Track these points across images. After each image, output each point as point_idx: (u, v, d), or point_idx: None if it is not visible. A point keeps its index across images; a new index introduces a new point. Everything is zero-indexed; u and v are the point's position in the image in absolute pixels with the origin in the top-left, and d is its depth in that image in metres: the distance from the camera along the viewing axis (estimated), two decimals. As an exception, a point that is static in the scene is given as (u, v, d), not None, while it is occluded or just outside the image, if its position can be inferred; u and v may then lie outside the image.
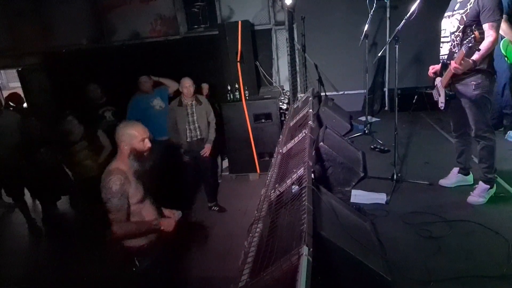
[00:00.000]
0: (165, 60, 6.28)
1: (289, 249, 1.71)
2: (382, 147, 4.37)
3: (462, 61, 2.70)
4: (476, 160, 3.18)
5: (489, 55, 2.83)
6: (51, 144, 4.48)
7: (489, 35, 2.69)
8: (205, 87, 5.35)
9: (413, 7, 3.00)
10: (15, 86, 7.86)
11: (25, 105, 6.82)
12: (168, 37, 6.49)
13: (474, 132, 2.99)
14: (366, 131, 4.93)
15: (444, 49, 3.02)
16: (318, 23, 6.08)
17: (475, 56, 2.73)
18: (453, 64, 2.76)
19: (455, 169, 3.37)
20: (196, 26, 6.39)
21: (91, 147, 4.24)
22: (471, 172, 3.35)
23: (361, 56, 4.99)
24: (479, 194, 3.04)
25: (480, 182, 3.08)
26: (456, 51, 2.88)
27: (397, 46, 3.19)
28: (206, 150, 4.47)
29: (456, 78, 2.92)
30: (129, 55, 6.39)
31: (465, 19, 2.79)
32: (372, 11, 4.38)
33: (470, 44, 2.57)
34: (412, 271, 2.35)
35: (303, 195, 2.07)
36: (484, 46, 2.70)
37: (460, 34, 2.84)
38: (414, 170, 3.83)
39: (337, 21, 6.04)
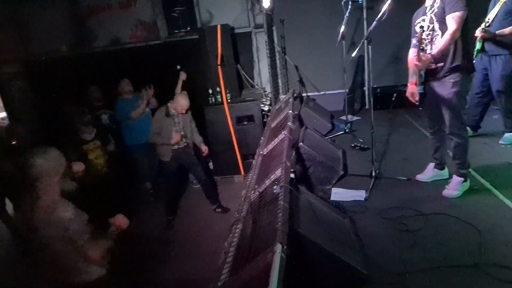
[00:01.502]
0: (146, 65, 6.26)
1: (267, 248, 1.76)
2: (362, 145, 4.46)
3: (421, 57, 2.80)
4: (451, 155, 3.28)
5: (467, 52, 2.90)
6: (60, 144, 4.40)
7: (449, 27, 2.75)
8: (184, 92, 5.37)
9: (384, 8, 3.08)
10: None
11: (3, 114, 6.78)
12: (148, 42, 6.48)
13: (449, 129, 3.08)
14: (347, 130, 5.02)
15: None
16: (297, 25, 6.17)
17: (434, 50, 2.80)
18: (414, 61, 2.88)
19: (431, 164, 3.47)
20: (176, 31, 6.38)
21: (103, 147, 4.27)
22: (446, 167, 3.46)
23: (340, 56, 5.09)
24: (454, 188, 3.15)
25: (454, 176, 3.18)
26: (428, 50, 2.97)
27: (369, 46, 3.28)
28: (205, 150, 4.57)
29: (433, 76, 3.00)
30: (110, 61, 6.36)
31: (434, 18, 2.88)
32: (347, 12, 4.48)
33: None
34: (389, 264, 2.44)
35: (279, 195, 2.12)
36: (442, 39, 2.78)
37: (431, 32, 2.94)
38: (393, 166, 3.94)
39: (316, 23, 6.14)
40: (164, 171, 4.55)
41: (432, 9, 2.89)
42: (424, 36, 2.96)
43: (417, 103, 3.20)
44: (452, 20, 2.73)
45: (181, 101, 4.28)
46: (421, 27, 2.92)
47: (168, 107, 4.36)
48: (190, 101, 4.95)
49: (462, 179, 3.13)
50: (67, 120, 4.22)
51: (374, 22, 3.17)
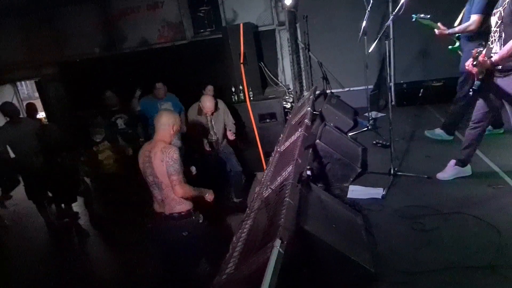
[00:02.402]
0: (173, 64, 6.46)
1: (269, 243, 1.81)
2: (384, 142, 4.38)
3: (481, 61, 2.68)
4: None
5: None
6: (73, 146, 4.68)
7: None
8: (209, 89, 5.48)
9: (401, 2, 3.02)
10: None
11: (42, 113, 7.21)
12: (175, 42, 6.67)
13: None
14: (369, 127, 4.94)
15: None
16: (321, 21, 6.11)
17: (495, 56, 2.66)
18: (469, 67, 2.83)
19: (452, 162, 3.36)
20: (202, 30, 6.52)
21: (113, 148, 4.50)
22: (469, 164, 3.34)
23: (364, 52, 5.00)
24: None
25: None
26: (494, 48, 2.81)
27: (387, 42, 3.21)
28: (230, 135, 4.78)
29: (499, 71, 2.82)
30: (139, 62, 6.60)
31: (502, 15, 2.69)
32: (369, 7, 4.40)
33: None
34: (401, 262, 2.40)
35: (286, 191, 2.15)
36: (506, 46, 2.60)
37: (498, 30, 2.75)
38: (415, 164, 3.84)
39: (340, 19, 6.06)
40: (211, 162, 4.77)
41: (503, 4, 2.68)
42: (492, 33, 2.82)
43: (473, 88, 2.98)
44: None
45: (206, 103, 4.44)
46: (481, 44, 2.81)
47: (199, 106, 4.56)
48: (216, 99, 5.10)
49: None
50: (81, 123, 4.48)
51: (391, 16, 3.11)
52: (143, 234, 3.92)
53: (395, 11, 3.04)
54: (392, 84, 6.20)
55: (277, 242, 1.63)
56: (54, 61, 7.07)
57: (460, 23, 3.94)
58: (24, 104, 6.34)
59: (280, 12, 6.21)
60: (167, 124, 2.78)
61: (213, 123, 4.64)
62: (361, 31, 4.53)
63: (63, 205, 4.89)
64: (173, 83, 5.90)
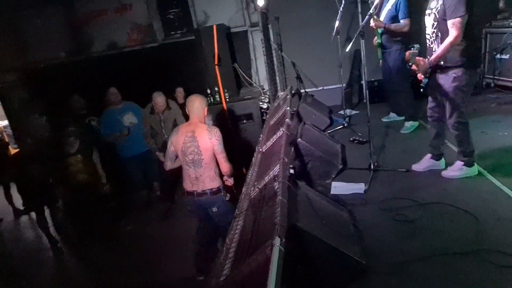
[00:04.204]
0: (144, 68, 6.32)
1: (266, 242, 1.81)
2: (360, 139, 4.50)
3: (419, 62, 2.89)
4: (452, 146, 3.32)
5: (473, 48, 2.92)
6: (44, 157, 4.48)
7: (450, 34, 2.78)
8: (179, 91, 5.42)
9: (375, 2, 3.12)
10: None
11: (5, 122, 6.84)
12: (145, 45, 6.52)
13: (447, 119, 3.14)
14: (345, 124, 5.06)
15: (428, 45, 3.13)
16: (292, 22, 6.19)
17: (432, 56, 2.86)
18: (414, 67, 2.96)
19: (428, 155, 3.51)
20: (173, 33, 6.42)
21: (85, 161, 4.34)
22: (443, 158, 3.49)
23: (337, 52, 5.12)
24: (453, 169, 3.24)
25: (456, 161, 3.25)
26: (434, 47, 3.02)
27: (363, 41, 3.30)
28: None
29: (439, 68, 3.02)
30: (108, 66, 6.41)
31: (437, 16, 2.89)
32: (341, 7, 4.51)
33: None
34: (388, 254, 2.48)
35: (278, 191, 2.17)
36: (442, 46, 2.82)
37: (435, 30, 2.95)
38: (392, 158, 3.98)
39: (310, 19, 6.16)
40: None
41: (436, 6, 2.89)
42: (430, 34, 3.04)
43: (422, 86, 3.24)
44: (453, 26, 2.75)
45: (157, 99, 4.50)
46: (412, 47, 2.99)
47: (152, 106, 4.58)
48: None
49: (462, 162, 3.18)
50: (51, 132, 4.30)
51: (367, 16, 3.21)
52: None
53: (371, 10, 3.14)
54: (363, 82, 6.39)
55: (277, 241, 1.64)
56: (16, 67, 6.73)
57: None
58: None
59: (251, 13, 6.23)
60: (200, 107, 3.09)
61: (163, 123, 4.64)
62: (334, 30, 4.63)
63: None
64: (144, 87, 5.77)
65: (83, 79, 6.17)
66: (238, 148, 5.48)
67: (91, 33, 6.61)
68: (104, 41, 6.63)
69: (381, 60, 4.73)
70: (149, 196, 5.24)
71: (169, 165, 3.23)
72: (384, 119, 5.24)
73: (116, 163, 5.05)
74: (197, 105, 3.08)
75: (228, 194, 3.23)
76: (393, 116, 5.20)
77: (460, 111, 3.06)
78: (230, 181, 3.34)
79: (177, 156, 3.18)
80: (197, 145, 3.00)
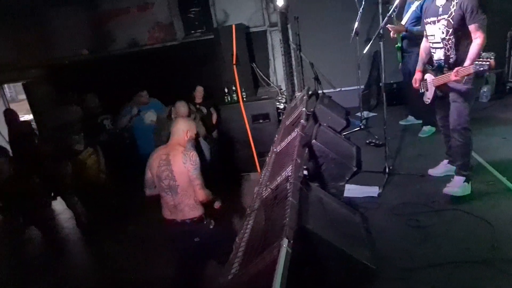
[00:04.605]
0: (164, 66, 6.43)
1: (274, 243, 1.83)
2: (377, 142, 4.45)
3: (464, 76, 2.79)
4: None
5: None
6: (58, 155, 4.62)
7: (476, 37, 2.74)
8: (199, 90, 5.48)
9: (395, 3, 3.08)
10: (23, 98, 8.09)
11: (30, 116, 7.08)
12: (165, 44, 6.63)
13: (452, 125, 3.05)
14: (362, 127, 5.02)
15: (438, 54, 3.06)
16: (312, 22, 6.16)
17: (466, 62, 2.77)
18: (453, 77, 2.82)
19: (445, 161, 3.45)
20: (192, 31, 6.49)
21: (96, 153, 4.45)
22: None
23: (355, 53, 5.07)
24: (455, 185, 3.10)
25: (455, 176, 3.15)
26: (452, 55, 2.94)
27: (381, 43, 3.27)
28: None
29: (448, 70, 2.96)
30: (129, 63, 6.54)
31: (452, 23, 2.82)
32: (361, 8, 4.47)
33: (481, 68, 2.62)
34: (399, 259, 2.46)
35: (288, 191, 2.18)
36: (472, 51, 2.75)
37: (452, 37, 2.88)
38: (408, 162, 3.92)
39: (330, 19, 6.11)
40: None
41: (449, 12, 2.82)
42: (445, 42, 2.95)
43: (428, 101, 3.28)
44: (479, 29, 2.72)
45: (180, 109, 4.38)
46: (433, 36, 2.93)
47: (171, 111, 4.52)
48: (206, 100, 5.09)
49: (463, 178, 3.07)
50: (62, 132, 4.41)
51: (386, 18, 3.17)
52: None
53: (390, 11, 3.10)
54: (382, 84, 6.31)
55: (285, 242, 1.66)
56: (42, 63, 6.95)
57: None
58: (15, 106, 6.26)
59: (271, 13, 6.24)
60: (181, 129, 2.88)
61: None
62: (353, 31, 4.59)
63: None
64: (163, 85, 5.88)
65: (104, 76, 6.33)
66: (254, 147, 5.53)
67: (113, 30, 6.77)
68: (125, 39, 6.78)
69: (400, 63, 4.66)
70: None
71: (147, 192, 2.98)
72: (402, 122, 5.15)
73: (129, 161, 5.12)
74: (178, 126, 2.90)
75: (212, 221, 2.97)
76: (411, 119, 5.11)
77: (465, 119, 2.98)
78: (217, 205, 3.11)
79: None
80: (171, 170, 2.76)
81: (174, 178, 2.75)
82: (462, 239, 2.55)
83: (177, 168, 2.75)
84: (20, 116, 5.32)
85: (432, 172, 3.46)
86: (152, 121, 4.95)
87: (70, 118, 4.92)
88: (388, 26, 4.16)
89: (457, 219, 2.79)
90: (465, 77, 2.79)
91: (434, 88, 3.17)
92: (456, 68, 2.79)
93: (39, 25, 6.83)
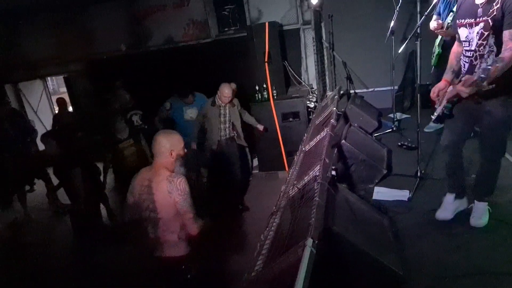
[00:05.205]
0: (197, 63, 6.54)
1: (298, 242, 1.83)
2: (409, 144, 4.33)
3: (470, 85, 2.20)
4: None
5: None
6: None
7: (507, 48, 2.15)
8: (232, 86, 5.51)
9: (434, 1, 2.98)
10: (64, 91, 8.49)
11: (70, 108, 7.42)
12: (200, 41, 6.74)
13: (487, 153, 2.63)
14: (394, 128, 4.89)
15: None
16: (346, 21, 6.06)
17: (491, 72, 2.09)
18: (459, 87, 2.27)
19: (449, 197, 2.88)
20: (226, 29, 6.57)
21: (136, 145, 4.61)
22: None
23: (390, 52, 4.94)
24: (480, 215, 2.71)
25: (476, 203, 2.73)
26: (477, 64, 2.36)
27: (418, 42, 3.17)
28: (261, 128, 5.06)
29: (484, 92, 2.31)
30: (164, 60, 6.71)
31: (490, 24, 2.25)
32: (398, 7, 4.34)
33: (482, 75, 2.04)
34: (428, 266, 2.38)
35: (315, 191, 2.17)
36: (502, 62, 2.13)
37: (484, 43, 2.33)
38: (442, 166, 3.76)
39: (366, 18, 5.99)
40: (219, 161, 4.77)
41: (491, 10, 2.24)
42: (476, 47, 2.37)
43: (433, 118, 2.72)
44: None
45: (224, 89, 4.47)
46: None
47: (215, 98, 4.64)
48: (239, 97, 5.11)
49: (486, 203, 2.71)
50: (105, 121, 4.59)
51: (423, 17, 3.07)
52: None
53: (428, 10, 3.00)
54: (417, 85, 6.12)
55: (309, 242, 1.65)
56: (82, 58, 7.26)
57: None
58: (54, 99, 6.61)
59: (305, 11, 6.20)
60: (164, 148, 2.34)
61: (227, 117, 4.70)
62: (389, 30, 4.47)
63: None
64: (197, 82, 5.97)
65: (140, 72, 6.52)
66: (283, 146, 5.52)
67: (149, 27, 6.96)
68: (161, 35, 6.95)
69: (434, 67, 4.45)
70: (197, 180, 5.41)
71: (126, 219, 2.50)
72: (426, 130, 4.73)
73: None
74: (160, 146, 2.34)
75: (191, 267, 2.46)
76: (433, 125, 4.75)
77: (504, 147, 2.57)
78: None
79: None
80: (152, 200, 2.30)
81: (156, 210, 2.29)
82: (499, 251, 2.44)
83: (160, 198, 2.28)
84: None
85: (440, 215, 2.87)
86: (191, 118, 5.06)
87: (121, 103, 5.13)
88: (439, 31, 3.94)
89: (494, 228, 2.67)
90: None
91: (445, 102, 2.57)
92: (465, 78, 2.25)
93: (80, 21, 7.14)
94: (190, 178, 5.32)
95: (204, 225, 2.43)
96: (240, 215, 4.81)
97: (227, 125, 4.73)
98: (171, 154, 2.35)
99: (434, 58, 4.32)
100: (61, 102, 5.85)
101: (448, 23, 3.79)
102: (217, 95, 4.63)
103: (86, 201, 4.31)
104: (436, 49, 4.24)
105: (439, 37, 4.19)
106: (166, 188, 2.27)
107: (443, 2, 3.96)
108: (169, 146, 2.34)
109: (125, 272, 3.16)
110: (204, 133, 4.88)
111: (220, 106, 4.64)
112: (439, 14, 4.03)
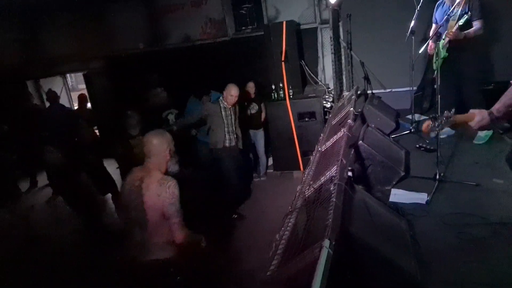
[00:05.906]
0: (215, 61, 6.56)
1: (315, 243, 1.81)
2: (427, 146, 4.25)
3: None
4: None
5: None
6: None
7: None
8: (250, 86, 5.51)
9: (455, 2, 2.91)
10: (83, 87, 8.65)
11: (89, 105, 7.54)
12: (217, 39, 6.76)
13: None
14: (413, 130, 4.81)
15: None
16: (364, 20, 5.98)
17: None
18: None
19: None
20: (243, 28, 6.56)
21: None
22: None
23: (410, 53, 4.86)
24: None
25: None
26: None
27: (439, 42, 3.10)
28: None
29: None
30: (181, 58, 6.75)
31: None
32: (418, 6, 4.26)
33: None
34: (446, 272, 2.33)
35: (332, 192, 2.14)
36: None
37: None
38: (461, 170, 3.70)
39: (385, 18, 5.90)
40: (221, 167, 4.62)
41: None
42: None
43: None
44: None
45: (231, 90, 4.32)
46: None
47: (221, 100, 4.48)
48: (258, 96, 5.09)
49: None
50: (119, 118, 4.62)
51: (445, 17, 3.00)
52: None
53: (450, 10, 2.93)
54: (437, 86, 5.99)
55: (326, 243, 1.63)
56: (101, 55, 7.37)
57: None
58: (73, 95, 6.74)
59: (323, 10, 6.15)
60: (160, 148, 2.34)
61: (231, 120, 4.52)
62: (409, 30, 4.39)
63: None
64: (214, 80, 5.98)
65: (158, 70, 6.58)
66: (298, 146, 5.49)
67: (167, 25, 7.02)
68: (179, 34, 7.00)
69: (436, 71, 4.27)
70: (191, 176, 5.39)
71: (122, 216, 2.54)
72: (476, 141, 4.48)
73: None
74: (158, 145, 2.33)
75: (180, 269, 2.37)
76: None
77: None
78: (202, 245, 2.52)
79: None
80: (141, 201, 2.26)
81: (144, 212, 2.25)
82: (520, 257, 2.37)
83: (150, 200, 2.25)
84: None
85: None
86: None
87: (158, 101, 5.14)
88: (448, 34, 3.82)
89: (515, 234, 2.59)
90: None
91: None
92: None
93: (99, 19, 7.25)
94: (183, 174, 5.36)
95: (193, 236, 2.39)
96: (257, 215, 4.77)
97: (232, 128, 4.55)
98: (166, 153, 2.38)
99: (437, 62, 4.09)
100: (82, 99, 6.00)
101: (459, 24, 3.71)
102: (222, 96, 4.50)
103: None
104: (442, 52, 4.06)
105: (443, 40, 4.04)
106: (156, 190, 2.26)
107: (436, 10, 4.14)
108: (166, 145, 2.37)
109: (113, 274, 3.10)
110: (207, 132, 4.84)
111: (225, 108, 4.45)
112: (436, 23, 4.12)
